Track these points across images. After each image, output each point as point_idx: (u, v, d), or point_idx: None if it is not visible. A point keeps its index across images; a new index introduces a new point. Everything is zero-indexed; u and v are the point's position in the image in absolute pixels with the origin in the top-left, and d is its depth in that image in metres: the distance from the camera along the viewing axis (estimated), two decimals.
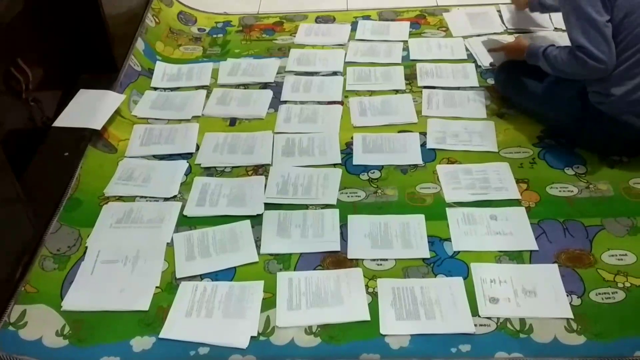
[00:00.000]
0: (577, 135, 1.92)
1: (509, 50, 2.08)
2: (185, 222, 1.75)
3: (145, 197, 1.84)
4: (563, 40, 2.19)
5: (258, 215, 1.75)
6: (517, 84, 2.07)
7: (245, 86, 2.34)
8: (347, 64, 2.43)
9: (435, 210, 1.75)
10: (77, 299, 1.54)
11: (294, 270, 1.60)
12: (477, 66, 2.37)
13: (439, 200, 1.78)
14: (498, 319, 1.45)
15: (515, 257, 1.60)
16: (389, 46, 2.53)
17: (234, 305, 1.50)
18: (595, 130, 1.85)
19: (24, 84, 1.83)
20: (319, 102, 2.23)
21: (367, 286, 1.54)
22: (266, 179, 1.88)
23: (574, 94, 1.85)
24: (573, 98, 1.86)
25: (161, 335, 1.44)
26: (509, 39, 2.40)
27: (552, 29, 2.50)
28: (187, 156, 2.00)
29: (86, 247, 1.67)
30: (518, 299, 1.49)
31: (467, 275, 1.55)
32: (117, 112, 2.12)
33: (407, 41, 2.55)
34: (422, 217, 1.72)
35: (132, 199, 1.83)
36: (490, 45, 2.21)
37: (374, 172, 1.90)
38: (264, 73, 2.39)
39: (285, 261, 1.62)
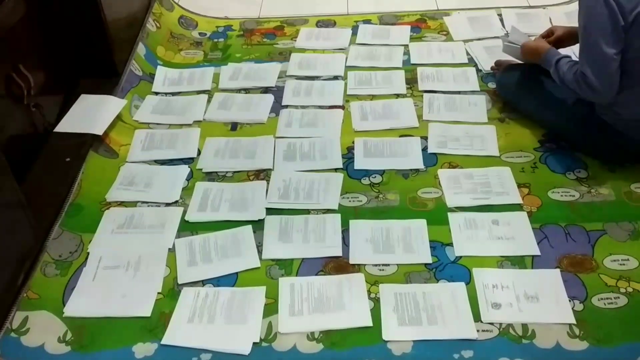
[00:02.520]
0: (579, 141, 1.92)
1: (527, 49, 2.01)
2: (187, 228, 1.74)
3: (147, 202, 1.83)
4: None
5: (260, 220, 1.75)
6: (518, 88, 2.07)
7: (247, 91, 2.34)
8: (348, 68, 2.43)
9: (437, 215, 1.74)
10: (79, 305, 1.53)
11: (296, 275, 1.59)
12: (478, 70, 2.37)
13: (440, 205, 1.78)
14: (500, 324, 1.45)
15: (517, 262, 1.60)
16: (389, 50, 2.53)
17: (235, 311, 1.50)
18: (597, 138, 1.84)
19: (25, 89, 1.82)
20: (320, 107, 2.23)
21: (369, 292, 1.53)
22: (267, 183, 1.87)
23: (578, 100, 1.84)
24: (576, 104, 1.86)
25: (163, 342, 1.44)
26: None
27: None
28: (188, 161, 1.99)
29: (88, 253, 1.67)
30: (520, 304, 1.49)
31: (469, 281, 1.55)
32: (119, 117, 2.12)
33: (407, 45, 2.55)
34: (423, 221, 1.72)
35: (133, 204, 1.83)
36: (514, 37, 2.10)
37: (375, 177, 1.90)
38: (265, 77, 2.39)
39: (287, 266, 1.62)
